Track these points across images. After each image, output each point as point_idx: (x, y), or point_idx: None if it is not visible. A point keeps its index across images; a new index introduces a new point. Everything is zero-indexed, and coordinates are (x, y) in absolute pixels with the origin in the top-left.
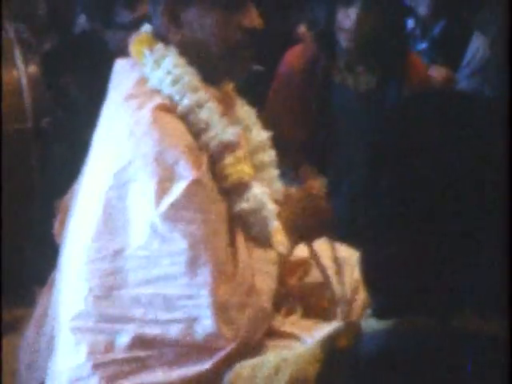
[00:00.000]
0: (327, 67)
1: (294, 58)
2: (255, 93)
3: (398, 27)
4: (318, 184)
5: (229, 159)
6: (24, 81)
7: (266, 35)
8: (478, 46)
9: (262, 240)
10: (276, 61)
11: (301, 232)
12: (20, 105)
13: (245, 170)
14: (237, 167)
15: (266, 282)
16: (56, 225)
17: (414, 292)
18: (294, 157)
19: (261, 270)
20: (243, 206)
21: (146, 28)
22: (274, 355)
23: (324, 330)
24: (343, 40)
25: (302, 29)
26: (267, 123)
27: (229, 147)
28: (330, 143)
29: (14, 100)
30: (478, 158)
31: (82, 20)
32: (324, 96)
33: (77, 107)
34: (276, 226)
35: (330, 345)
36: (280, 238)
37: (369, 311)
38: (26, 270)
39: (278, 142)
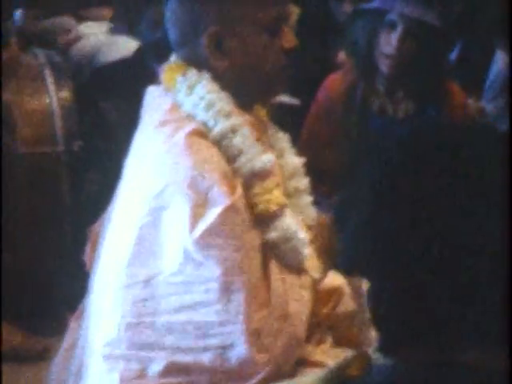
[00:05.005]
0: (366, 94)
1: (333, 84)
2: (291, 124)
3: (438, 54)
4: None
5: (258, 188)
6: (55, 105)
7: (305, 63)
8: (500, 66)
9: (295, 266)
10: (315, 88)
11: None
12: (51, 128)
13: (274, 199)
14: (266, 196)
15: (299, 309)
16: (86, 253)
17: (417, 327)
18: (329, 185)
19: (295, 297)
20: (271, 235)
21: (174, 58)
22: (287, 383)
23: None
24: (384, 65)
25: (341, 55)
26: (303, 150)
27: (259, 175)
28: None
29: (45, 124)
30: (484, 195)
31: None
32: (363, 123)
33: (114, 133)
34: (308, 252)
35: (340, 374)
36: (313, 263)
37: (375, 345)
38: (58, 297)
39: (313, 170)
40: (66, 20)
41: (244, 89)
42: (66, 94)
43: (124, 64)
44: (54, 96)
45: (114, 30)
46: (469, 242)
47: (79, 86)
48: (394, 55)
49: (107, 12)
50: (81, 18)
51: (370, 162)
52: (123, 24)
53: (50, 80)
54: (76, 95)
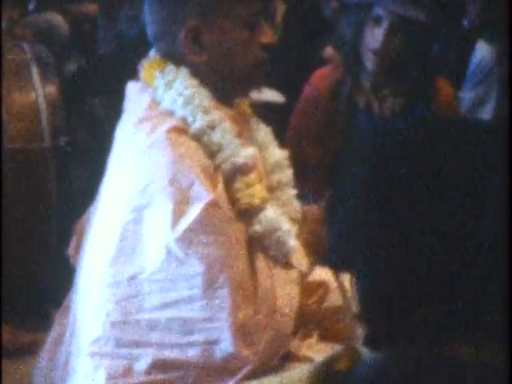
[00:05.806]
0: (353, 90)
1: (320, 80)
2: (277, 119)
3: (425, 51)
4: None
5: (240, 183)
6: (41, 100)
7: (292, 58)
8: (481, 56)
9: (281, 260)
10: (301, 83)
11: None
12: (37, 124)
13: (256, 193)
14: (247, 191)
15: (287, 303)
16: (71, 247)
17: (405, 322)
18: (314, 180)
19: (282, 291)
20: (255, 228)
21: (153, 52)
22: (275, 377)
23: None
24: (369, 61)
25: (329, 50)
26: (289, 146)
27: (241, 170)
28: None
29: (31, 119)
30: (475, 189)
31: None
32: (349, 120)
33: (102, 129)
34: (295, 245)
35: (327, 367)
36: (300, 257)
37: (361, 339)
38: (44, 293)
39: (298, 165)
40: (54, 15)
41: (222, 83)
42: (52, 89)
43: (112, 59)
44: (41, 91)
45: (101, 28)
46: (458, 237)
47: (67, 82)
48: (380, 50)
49: (92, 8)
50: (67, 14)
51: (357, 159)
52: (108, 20)
53: (36, 75)
54: (63, 90)
